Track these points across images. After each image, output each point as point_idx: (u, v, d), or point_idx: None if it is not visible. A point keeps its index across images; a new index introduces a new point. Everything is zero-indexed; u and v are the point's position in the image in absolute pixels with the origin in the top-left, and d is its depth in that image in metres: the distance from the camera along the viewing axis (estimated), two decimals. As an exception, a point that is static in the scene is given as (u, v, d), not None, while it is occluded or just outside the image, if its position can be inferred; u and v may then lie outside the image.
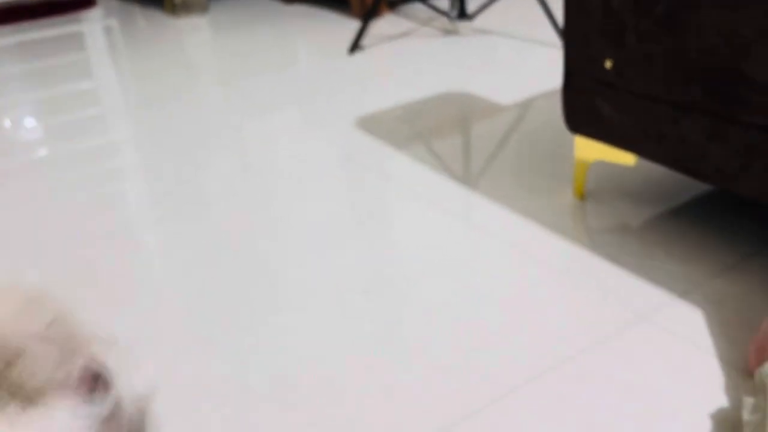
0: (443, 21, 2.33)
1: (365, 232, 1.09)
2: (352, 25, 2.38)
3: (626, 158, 1.00)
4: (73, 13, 3.08)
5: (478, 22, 2.24)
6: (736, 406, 0.70)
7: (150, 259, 1.09)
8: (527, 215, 1.10)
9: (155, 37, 2.57)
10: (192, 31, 2.64)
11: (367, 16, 2.07)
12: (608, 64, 0.93)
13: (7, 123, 1.82)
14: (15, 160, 1.57)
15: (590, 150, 1.05)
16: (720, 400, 0.71)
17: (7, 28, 2.93)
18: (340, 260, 1.02)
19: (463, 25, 2.23)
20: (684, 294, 0.87)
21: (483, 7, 2.14)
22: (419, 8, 2.57)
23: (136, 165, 1.51)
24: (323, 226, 1.12)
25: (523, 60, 1.90)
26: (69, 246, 1.15)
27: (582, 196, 1.12)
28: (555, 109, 1.52)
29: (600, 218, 1.07)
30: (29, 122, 1.84)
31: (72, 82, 2.13)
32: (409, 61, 1.97)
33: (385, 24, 2.40)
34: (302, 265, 1.02)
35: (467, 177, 1.25)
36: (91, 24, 2.96)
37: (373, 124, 1.53)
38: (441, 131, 1.46)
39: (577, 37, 0.97)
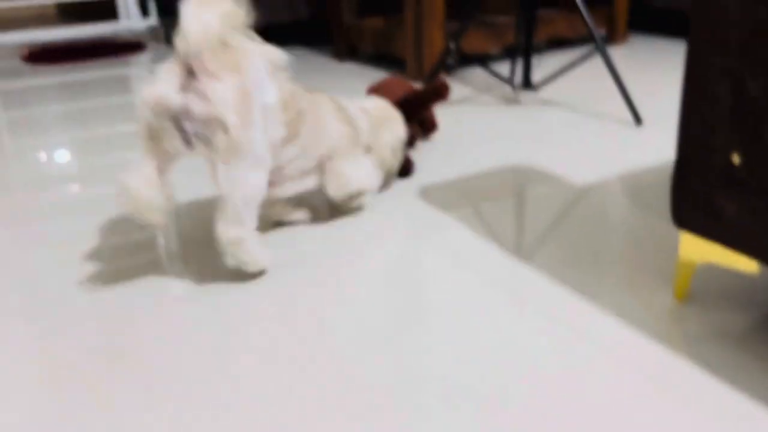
0: (504, 89, 2.24)
1: (428, 321, 0.96)
2: (407, 86, 2.30)
3: (747, 265, 0.86)
4: (122, 56, 3.07)
5: (543, 93, 2.15)
6: None
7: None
8: (620, 314, 0.96)
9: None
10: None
11: (427, 79, 1.99)
12: (736, 158, 0.81)
13: (43, 159, 1.78)
14: (44, 198, 1.50)
15: (700, 250, 0.92)
16: None
17: (54, 68, 2.92)
18: (415, 362, 0.89)
19: (527, 95, 2.14)
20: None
21: (549, 78, 2.04)
22: (479, 74, 2.49)
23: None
24: (381, 311, 1.00)
25: (592, 136, 1.79)
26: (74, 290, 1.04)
27: (684, 298, 0.98)
28: (640, 193, 1.40)
29: (702, 324, 0.93)
30: (65, 160, 1.79)
31: (113, 124, 2.08)
32: (467, 129, 1.87)
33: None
34: (356, 357, 0.89)
35: (544, 264, 1.12)
36: (138, 68, 2.94)
37: (430, 194, 1.42)
38: (504, 209, 1.34)
39: (698, 124, 0.85)
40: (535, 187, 1.45)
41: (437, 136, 1.80)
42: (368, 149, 1.26)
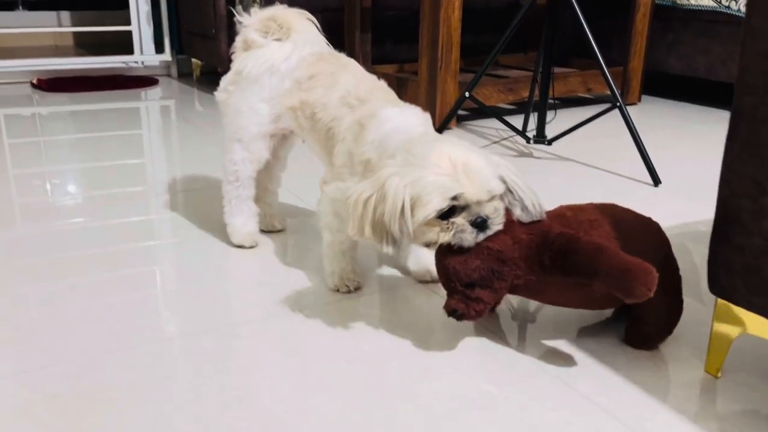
0: (517, 141, 2.21)
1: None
2: (420, 134, 2.27)
3: (791, 341, 0.80)
4: (135, 89, 3.06)
5: (557, 147, 2.12)
6: None
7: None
8: (646, 389, 0.89)
9: (210, 122, 2.50)
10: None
11: (438, 130, 1.96)
12: (784, 225, 0.76)
13: (48, 188, 1.75)
14: (47, 227, 1.45)
15: (739, 321, 0.86)
16: None
17: (67, 96, 2.90)
18: None
19: (539, 148, 2.10)
20: None
21: (564, 133, 2.01)
22: (491, 125, 2.47)
23: (167, 245, 1.39)
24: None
25: (608, 194, 1.74)
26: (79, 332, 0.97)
27: (718, 373, 0.92)
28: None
29: (735, 401, 0.86)
30: (69, 190, 1.77)
31: (120, 156, 2.05)
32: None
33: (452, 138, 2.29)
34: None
35: (560, 331, 1.06)
36: (150, 102, 2.93)
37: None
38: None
39: (743, 183, 0.80)
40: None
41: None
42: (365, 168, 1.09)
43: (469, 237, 0.92)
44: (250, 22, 1.27)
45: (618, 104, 1.82)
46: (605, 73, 1.88)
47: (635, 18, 2.71)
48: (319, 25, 1.29)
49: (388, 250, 0.95)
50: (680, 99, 2.98)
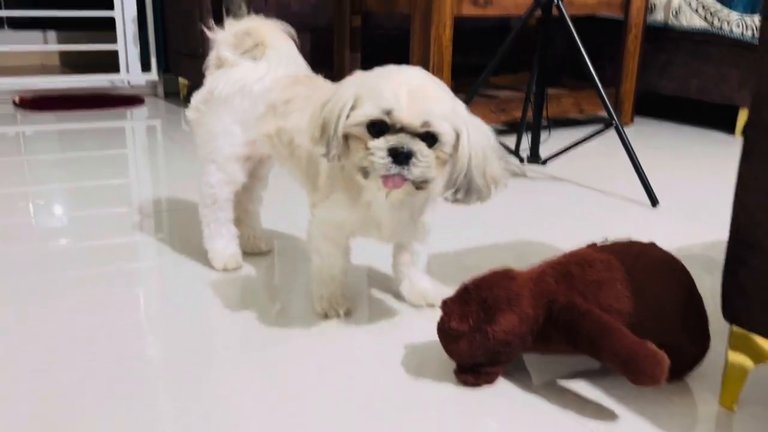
0: (510, 162, 2.17)
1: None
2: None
3: (815, 372, 0.75)
4: (120, 109, 3.00)
5: (551, 167, 2.07)
6: None
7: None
8: (657, 424, 0.83)
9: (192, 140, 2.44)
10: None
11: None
12: (806, 247, 0.71)
13: (31, 208, 1.69)
14: (29, 248, 1.39)
15: (756, 350, 0.80)
16: None
17: (51, 115, 2.84)
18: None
19: (533, 169, 2.06)
20: None
21: (558, 153, 1.97)
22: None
23: (151, 268, 1.33)
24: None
25: (605, 215, 1.70)
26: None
27: (733, 406, 0.86)
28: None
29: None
30: (53, 211, 1.71)
31: (105, 177, 1.98)
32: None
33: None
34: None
35: (564, 360, 0.99)
36: (135, 122, 2.87)
37: (428, 269, 1.31)
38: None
39: (761, 202, 0.75)
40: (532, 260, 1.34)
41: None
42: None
43: (381, 164, 0.86)
44: (222, 38, 1.22)
45: (614, 123, 1.79)
46: (601, 91, 1.84)
47: (627, 39, 2.68)
48: (296, 40, 1.23)
49: (320, 152, 0.92)
50: (673, 120, 2.96)
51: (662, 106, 3.16)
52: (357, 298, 1.18)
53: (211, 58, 1.24)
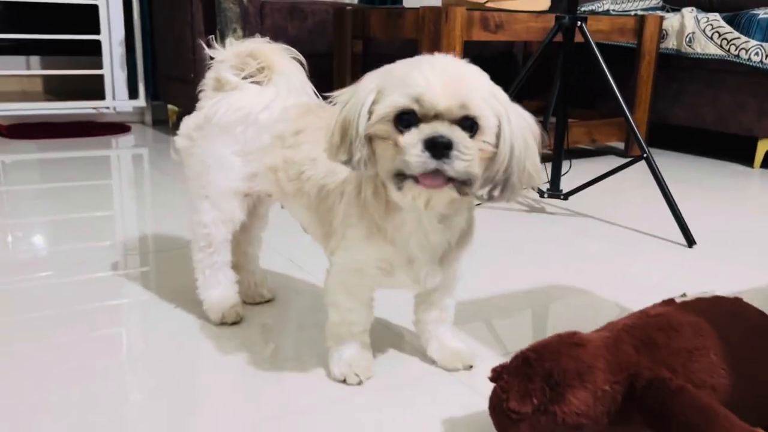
0: (528, 195, 2.02)
1: None
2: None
3: None
4: (105, 137, 2.83)
5: (573, 201, 1.92)
6: None
7: None
8: None
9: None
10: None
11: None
12: None
13: (10, 241, 1.56)
14: (5, 284, 1.26)
15: None
16: None
17: (33, 143, 2.67)
18: None
19: (554, 203, 1.91)
20: None
21: (582, 186, 1.82)
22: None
23: (132, 305, 1.20)
24: None
25: (636, 255, 1.55)
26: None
27: None
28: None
29: None
30: (33, 244, 1.58)
31: (88, 208, 1.83)
32: (485, 237, 1.62)
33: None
34: None
35: None
36: (121, 150, 2.71)
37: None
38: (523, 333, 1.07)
39: None
40: (566, 313, 1.18)
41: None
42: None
43: (417, 161, 0.70)
44: (224, 57, 1.06)
45: (645, 156, 1.65)
46: (630, 121, 1.71)
47: (640, 66, 2.57)
48: (306, 66, 1.08)
49: (341, 159, 0.77)
50: (686, 152, 2.84)
51: (673, 136, 3.05)
52: (381, 361, 1.01)
53: (209, 80, 1.08)
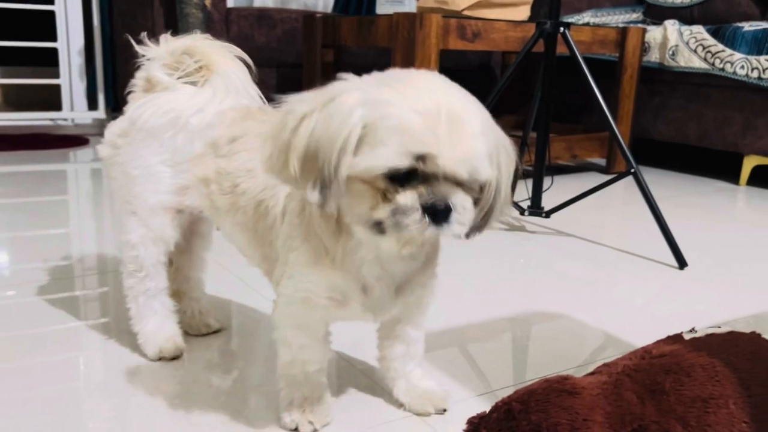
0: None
1: None
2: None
3: None
4: (62, 149, 2.67)
5: (555, 219, 1.81)
6: None
7: None
8: None
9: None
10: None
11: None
12: None
13: None
14: None
15: None
16: None
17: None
18: None
19: (535, 222, 1.79)
20: None
21: (565, 203, 1.71)
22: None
23: (90, 329, 1.05)
24: None
25: (626, 278, 1.43)
26: None
27: None
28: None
29: None
30: None
31: (44, 226, 1.68)
32: (461, 258, 1.50)
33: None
34: None
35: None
36: (79, 165, 2.55)
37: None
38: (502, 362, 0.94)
39: None
40: (550, 342, 1.05)
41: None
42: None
43: (413, 227, 0.61)
44: (156, 54, 0.93)
45: (633, 170, 1.54)
46: (616, 134, 1.60)
47: (622, 80, 2.48)
48: (252, 67, 0.95)
49: (313, 198, 0.63)
50: (668, 168, 2.75)
51: (656, 152, 2.96)
52: (339, 405, 0.87)
53: (138, 80, 0.95)
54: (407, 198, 0.61)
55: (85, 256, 1.44)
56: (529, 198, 1.77)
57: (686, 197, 2.25)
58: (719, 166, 2.71)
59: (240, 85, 0.92)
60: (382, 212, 0.62)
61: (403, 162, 0.60)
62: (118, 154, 0.93)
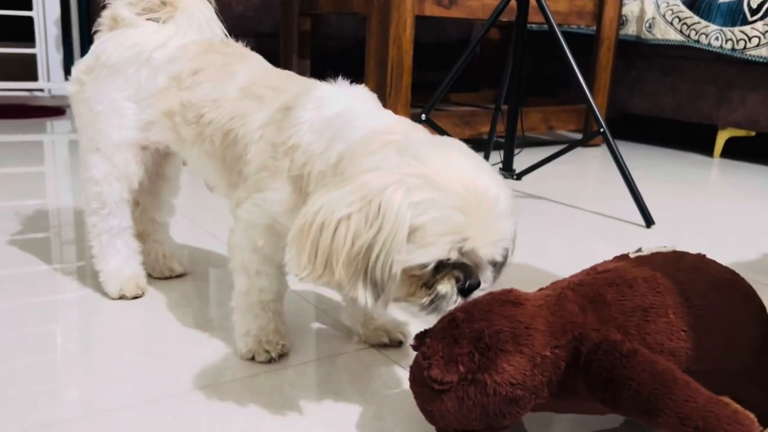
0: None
1: None
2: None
3: None
4: (38, 119, 2.65)
5: (526, 182, 1.82)
6: None
7: None
8: None
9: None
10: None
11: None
12: None
13: None
14: None
15: None
16: None
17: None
18: None
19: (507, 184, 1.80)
20: None
21: (536, 165, 1.72)
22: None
23: (68, 301, 1.00)
24: None
25: (596, 236, 1.45)
26: None
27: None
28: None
29: None
30: None
31: (18, 197, 1.64)
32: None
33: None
34: None
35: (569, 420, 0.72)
36: (56, 135, 2.52)
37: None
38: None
39: None
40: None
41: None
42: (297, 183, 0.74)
43: (447, 307, 0.65)
44: None
45: (602, 130, 1.55)
46: (589, 98, 1.61)
47: (599, 52, 2.49)
48: (215, 5, 0.96)
49: (363, 300, 0.62)
50: (645, 142, 2.77)
51: (633, 126, 2.98)
52: (296, 335, 0.88)
53: (104, 18, 0.95)
54: (446, 287, 0.64)
55: (63, 229, 1.43)
56: (501, 161, 1.78)
57: (660, 168, 2.27)
58: (695, 139, 2.73)
59: (203, 20, 0.93)
60: (423, 299, 0.65)
61: (450, 255, 0.62)
62: (83, 90, 0.93)
